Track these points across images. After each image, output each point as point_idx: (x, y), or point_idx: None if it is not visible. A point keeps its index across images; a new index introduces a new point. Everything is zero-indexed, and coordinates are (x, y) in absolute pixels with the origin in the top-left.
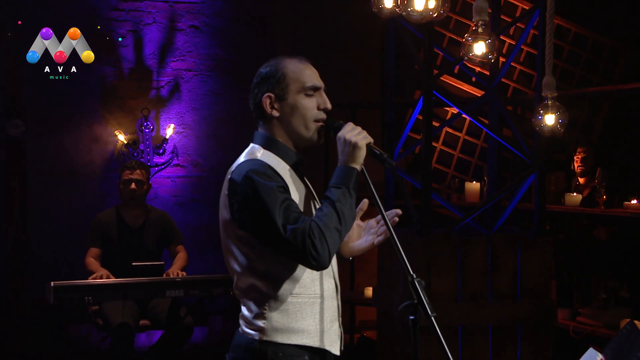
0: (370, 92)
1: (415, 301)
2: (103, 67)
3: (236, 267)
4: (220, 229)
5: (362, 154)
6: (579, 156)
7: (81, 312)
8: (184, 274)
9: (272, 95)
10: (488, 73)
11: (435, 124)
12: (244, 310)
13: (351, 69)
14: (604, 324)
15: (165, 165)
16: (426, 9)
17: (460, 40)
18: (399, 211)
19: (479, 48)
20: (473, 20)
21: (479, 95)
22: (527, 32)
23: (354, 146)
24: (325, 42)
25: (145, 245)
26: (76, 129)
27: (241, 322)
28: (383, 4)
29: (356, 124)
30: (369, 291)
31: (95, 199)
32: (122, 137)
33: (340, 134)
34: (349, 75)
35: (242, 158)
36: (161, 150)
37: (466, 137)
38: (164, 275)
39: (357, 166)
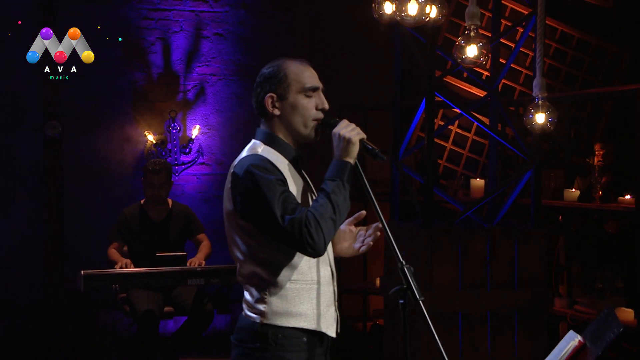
0: (383, 94)
1: (405, 286)
2: (134, 72)
3: (239, 255)
4: (225, 219)
5: (355, 148)
6: (600, 152)
7: (110, 299)
8: (204, 263)
9: (274, 95)
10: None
11: (442, 123)
12: (246, 295)
13: (364, 72)
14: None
15: (191, 163)
16: (419, 14)
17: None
18: (378, 224)
19: (471, 51)
20: (466, 24)
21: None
22: (525, 35)
23: (347, 141)
24: (339, 47)
25: (168, 237)
26: (109, 130)
27: (244, 306)
28: (383, 10)
29: (368, 124)
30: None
31: (126, 195)
32: (151, 137)
33: (335, 130)
34: (362, 78)
35: (244, 153)
36: (187, 150)
37: (475, 138)
38: (187, 264)
39: (351, 160)
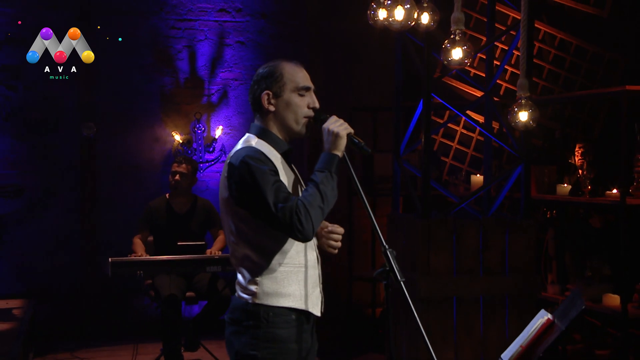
0: (392, 96)
1: (388, 268)
2: (163, 78)
3: (233, 239)
4: (220, 206)
5: (343, 142)
6: (579, 151)
7: (138, 285)
8: (220, 253)
9: (270, 92)
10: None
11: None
12: (239, 277)
13: (374, 76)
14: (588, 297)
15: (214, 161)
16: (405, 19)
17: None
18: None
19: (457, 54)
20: (451, 29)
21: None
22: (517, 39)
23: (335, 135)
24: (350, 53)
25: (190, 228)
26: (139, 131)
27: (237, 287)
28: (377, 16)
29: (377, 125)
30: None
31: (155, 190)
32: (177, 137)
33: (325, 125)
34: (372, 82)
35: (239, 145)
36: (211, 149)
37: (478, 138)
38: (206, 253)
39: (339, 153)
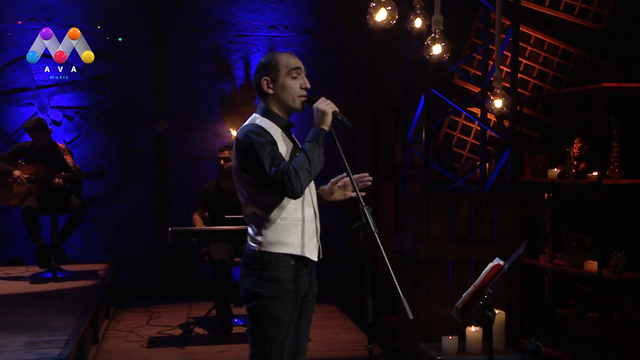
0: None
1: (364, 222)
2: (223, 84)
3: (242, 200)
4: (232, 173)
5: (329, 118)
6: (577, 145)
7: (195, 252)
8: None
9: (268, 78)
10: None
11: (456, 118)
12: (249, 230)
13: (397, 79)
14: (572, 264)
15: None
16: (387, 19)
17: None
18: (368, 176)
19: (437, 49)
20: (432, 28)
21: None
22: (506, 41)
23: (322, 113)
24: (377, 60)
25: (236, 204)
26: (204, 127)
27: (248, 238)
28: (375, 19)
29: (399, 121)
30: None
31: (214, 176)
32: (234, 133)
33: (315, 104)
34: (396, 84)
35: (246, 123)
36: None
37: (490, 133)
38: None
39: (325, 127)
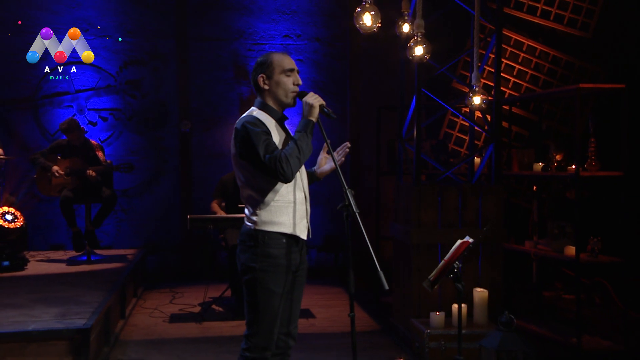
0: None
1: (347, 203)
2: (241, 87)
3: (240, 183)
4: (232, 160)
5: (316, 111)
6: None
7: (213, 237)
8: None
9: (264, 75)
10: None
11: (455, 119)
12: (245, 210)
13: (399, 82)
14: (553, 249)
15: None
16: (373, 24)
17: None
18: (348, 144)
19: (419, 51)
20: (414, 32)
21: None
22: (491, 45)
23: (310, 106)
24: (381, 64)
25: None
26: (224, 127)
27: (245, 218)
28: (363, 21)
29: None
30: None
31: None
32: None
33: (304, 99)
34: (398, 87)
35: (244, 115)
36: None
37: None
38: None
39: (313, 119)
